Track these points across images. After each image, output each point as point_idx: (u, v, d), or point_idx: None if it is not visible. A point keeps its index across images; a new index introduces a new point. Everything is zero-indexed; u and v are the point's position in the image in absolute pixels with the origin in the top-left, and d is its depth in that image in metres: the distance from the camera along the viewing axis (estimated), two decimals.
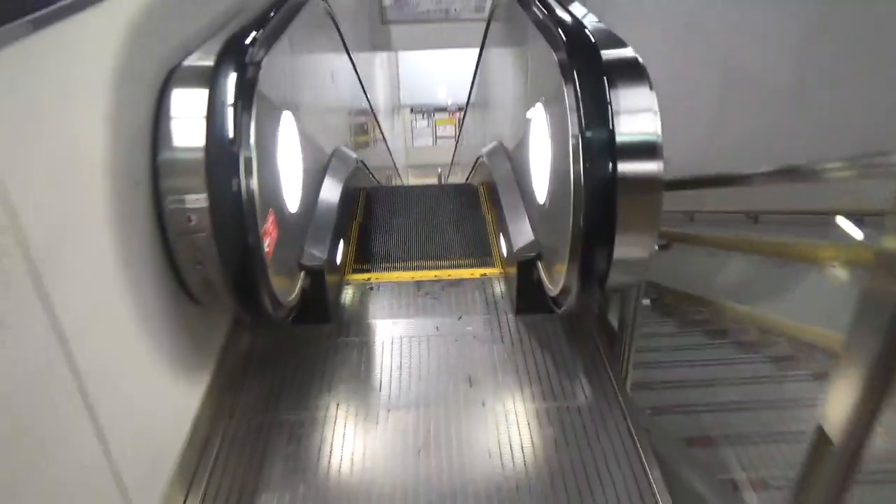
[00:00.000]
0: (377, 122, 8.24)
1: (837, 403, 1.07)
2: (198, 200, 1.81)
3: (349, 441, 2.17)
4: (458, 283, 3.05)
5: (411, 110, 17.44)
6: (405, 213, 4.19)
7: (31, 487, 1.23)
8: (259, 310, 2.06)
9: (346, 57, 4.80)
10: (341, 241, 3.13)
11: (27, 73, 1.26)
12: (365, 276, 3.15)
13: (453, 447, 2.13)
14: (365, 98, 6.47)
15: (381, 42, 11.10)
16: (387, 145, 9.34)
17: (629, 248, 2.05)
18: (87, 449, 1.44)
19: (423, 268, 3.24)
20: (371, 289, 3.03)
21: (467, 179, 5.81)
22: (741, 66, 4.20)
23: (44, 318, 1.29)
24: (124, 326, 1.66)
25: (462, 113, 10.12)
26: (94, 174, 1.54)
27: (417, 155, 16.32)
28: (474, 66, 5.88)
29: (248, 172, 1.85)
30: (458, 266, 3.25)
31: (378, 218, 4.07)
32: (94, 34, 1.56)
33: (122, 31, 1.67)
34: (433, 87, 15.99)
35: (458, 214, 4.05)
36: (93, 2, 1.51)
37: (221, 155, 1.81)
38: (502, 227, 3.15)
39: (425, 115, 17.77)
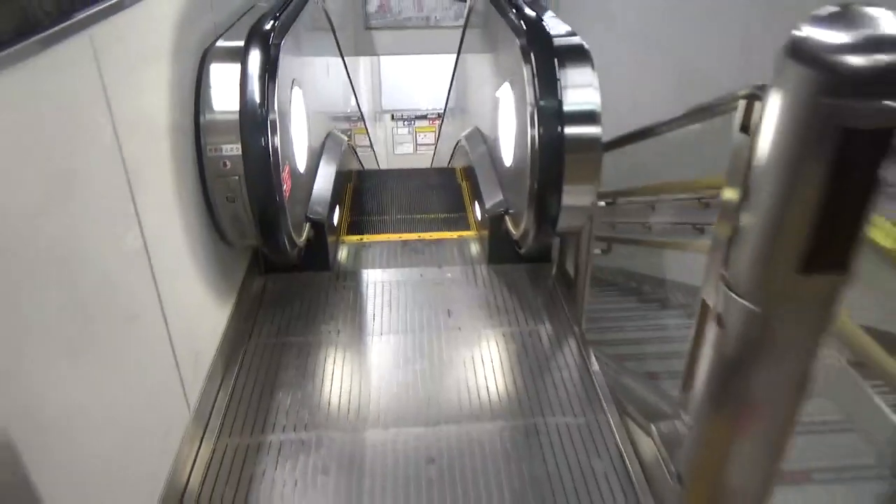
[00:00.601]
0: (363, 119, 8.73)
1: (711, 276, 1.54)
2: (232, 150, 2.29)
3: (348, 356, 2.65)
4: (439, 241, 3.54)
5: (392, 117, 17.82)
6: (393, 188, 4.70)
7: (119, 339, 1.70)
8: (277, 244, 2.54)
9: (337, 52, 5.29)
10: (338, 207, 3.62)
11: (126, 39, 1.74)
12: (358, 237, 3.64)
13: (434, 359, 2.62)
14: (353, 95, 6.96)
15: (364, 47, 11.61)
16: (370, 141, 9.80)
17: (574, 196, 2.57)
18: (156, 327, 1.90)
19: (408, 231, 3.74)
20: (363, 246, 3.52)
21: (448, 164, 6.32)
22: (695, 67, 4.75)
23: (134, 217, 1.75)
24: (178, 239, 2.12)
25: (440, 119, 10.58)
26: (161, 124, 2.01)
27: (399, 162, 16.76)
28: (452, 66, 6.39)
29: (273, 130, 2.33)
30: (439, 229, 3.76)
31: (368, 192, 4.57)
32: (160, 15, 2.04)
33: (175, 14, 2.15)
34: (414, 94, 16.42)
35: (440, 187, 4.56)
36: None
37: (252, 115, 2.29)
38: (477, 195, 3.66)
39: (406, 123, 18.14)
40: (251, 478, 2.08)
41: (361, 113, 8.37)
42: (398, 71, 15.44)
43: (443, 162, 7.37)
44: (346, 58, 5.73)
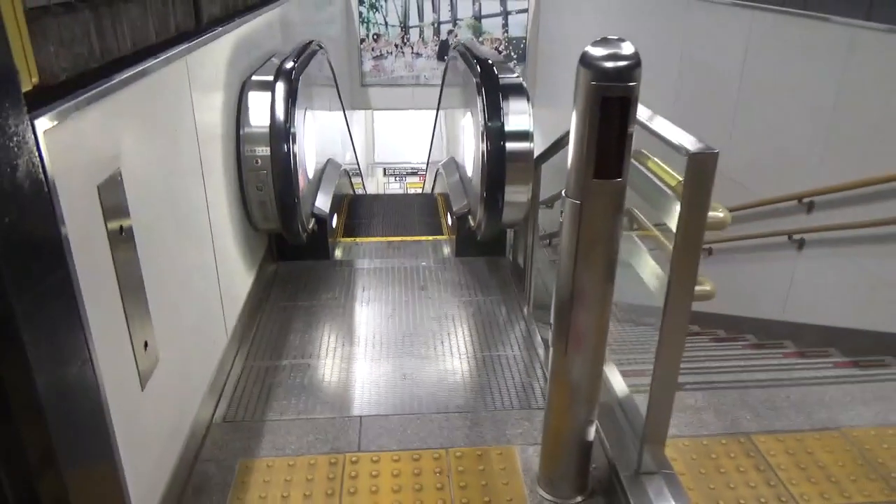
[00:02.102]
0: (360, 174, 9.66)
1: None
2: (263, 151, 3.15)
3: (345, 313, 3.45)
4: (418, 242, 4.39)
5: (384, 172, 18.77)
6: (381, 205, 5.58)
7: (189, 263, 2.50)
8: (292, 227, 3.37)
9: (338, 97, 6.25)
10: (335, 216, 4.47)
11: (204, 67, 2.62)
12: (352, 238, 4.48)
13: (410, 315, 3.42)
14: (351, 143, 7.91)
15: (359, 102, 12.77)
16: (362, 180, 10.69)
17: (514, 194, 3.43)
18: (210, 261, 2.71)
19: (393, 235, 4.59)
20: (356, 245, 4.35)
21: (432, 190, 7.22)
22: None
23: (202, 188, 2.59)
24: (224, 210, 2.95)
25: (428, 158, 11.53)
26: (218, 132, 2.87)
27: None
28: (435, 112, 7.38)
29: (293, 140, 3.20)
30: (417, 233, 4.61)
31: (360, 207, 5.43)
32: (219, 54, 2.93)
33: (227, 55, 3.04)
34: (405, 150, 17.43)
35: (420, 205, 5.44)
36: (221, 33, 2.89)
37: (279, 128, 3.16)
38: (448, 205, 4.53)
39: (398, 179, 19.05)
40: (271, 385, 2.84)
41: (358, 165, 9.28)
42: (390, 126, 16.55)
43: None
44: (345, 111, 6.69)
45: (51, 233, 1.34)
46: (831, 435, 2.42)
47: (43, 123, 1.33)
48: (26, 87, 1.29)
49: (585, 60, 1.75)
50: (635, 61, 1.67)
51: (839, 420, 2.50)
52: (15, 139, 1.18)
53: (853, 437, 2.41)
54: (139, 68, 1.91)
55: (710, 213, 1.78)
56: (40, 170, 1.28)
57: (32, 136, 1.25)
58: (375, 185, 17.53)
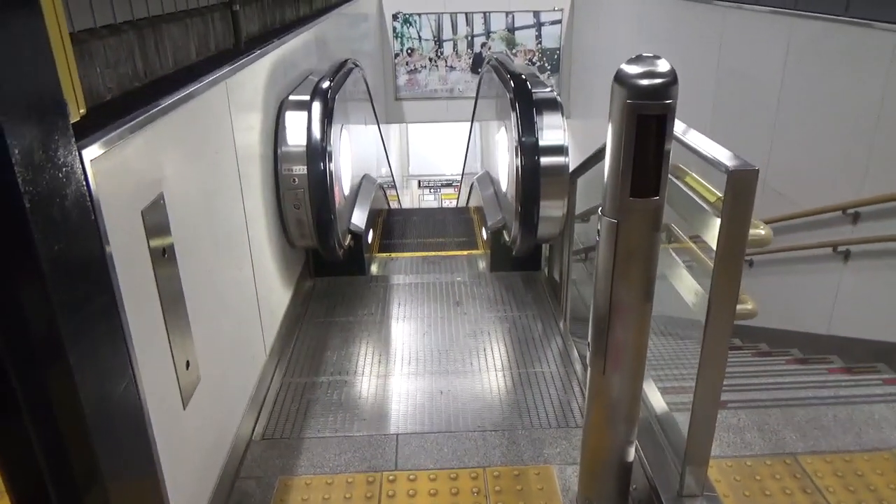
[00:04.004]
0: (395, 187, 9.73)
1: None
2: (300, 170, 3.20)
3: (381, 329, 3.46)
4: (452, 257, 4.39)
5: (419, 184, 18.85)
6: (417, 219, 5.60)
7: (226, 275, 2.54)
8: (328, 243, 3.40)
9: (373, 113, 6.32)
10: (371, 231, 4.50)
11: (242, 89, 2.68)
12: (387, 254, 4.50)
13: (446, 332, 3.42)
14: (386, 157, 7.98)
15: (394, 115, 12.89)
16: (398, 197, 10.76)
17: (549, 209, 3.41)
18: (249, 278, 2.75)
19: (428, 250, 4.60)
20: (391, 260, 4.38)
21: (466, 203, 7.23)
22: None
23: (241, 206, 2.64)
24: (262, 228, 3.00)
25: (462, 171, 11.56)
26: (255, 152, 2.93)
27: None
28: (469, 126, 7.39)
29: (329, 158, 3.24)
30: (452, 249, 4.61)
31: (396, 222, 5.46)
32: (257, 75, 2.99)
33: (265, 77, 3.10)
34: (440, 161, 17.47)
35: (455, 220, 5.46)
36: (259, 56, 2.95)
37: (315, 146, 3.21)
38: (483, 220, 4.52)
39: (433, 191, 19.09)
40: (309, 401, 2.86)
41: (393, 177, 9.35)
42: (424, 138, 16.62)
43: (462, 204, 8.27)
44: (379, 125, 6.76)
45: (97, 258, 1.38)
46: (882, 456, 2.33)
47: (90, 153, 1.38)
48: (74, 117, 1.33)
49: (620, 78, 1.74)
50: (671, 78, 1.65)
51: (890, 440, 2.41)
52: (64, 170, 1.22)
53: None
54: (181, 94, 1.96)
55: (752, 231, 1.74)
56: (87, 198, 1.32)
57: (80, 166, 1.29)
58: (410, 197, 17.57)
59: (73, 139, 1.26)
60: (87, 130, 1.43)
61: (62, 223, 1.22)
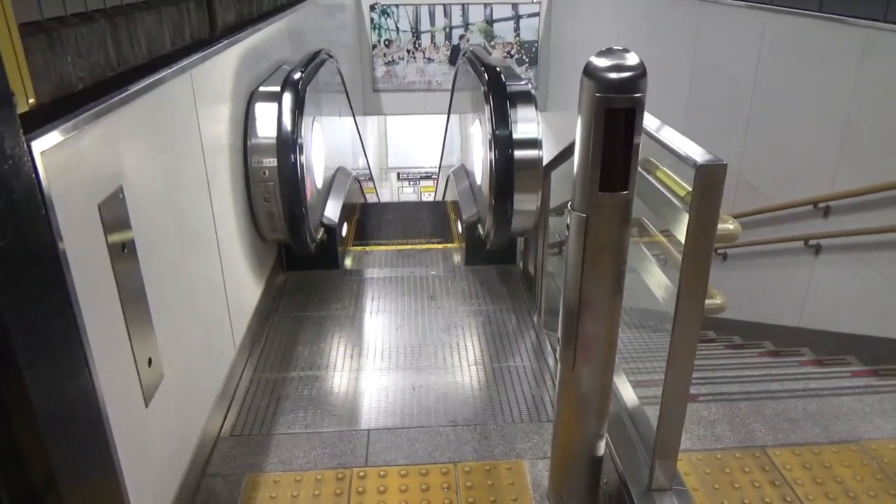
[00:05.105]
0: (372, 179, 9.67)
1: None
2: (270, 163, 3.15)
3: (354, 324, 3.43)
4: (427, 250, 4.36)
5: (398, 176, 18.75)
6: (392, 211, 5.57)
7: (191, 271, 2.49)
8: (300, 237, 3.36)
9: (348, 105, 6.25)
10: (345, 225, 4.46)
11: (209, 80, 2.62)
12: (361, 247, 4.46)
13: (419, 326, 3.40)
14: (362, 149, 7.91)
15: (372, 107, 12.79)
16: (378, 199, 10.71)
17: (523, 203, 3.40)
18: (217, 274, 2.70)
19: (403, 242, 4.57)
20: (366, 254, 4.34)
21: (443, 197, 7.20)
22: None
23: (209, 201, 2.58)
24: (231, 222, 2.94)
25: (439, 164, 11.53)
26: (224, 143, 2.87)
27: None
28: (446, 119, 7.35)
29: (300, 150, 3.19)
30: (427, 241, 4.59)
31: (371, 214, 5.42)
32: (225, 66, 2.93)
33: (234, 67, 3.04)
34: (418, 153, 17.41)
35: (430, 212, 5.43)
36: (227, 45, 2.89)
37: (286, 139, 3.16)
38: (458, 213, 4.50)
39: (412, 183, 19.01)
40: (279, 397, 2.82)
41: (370, 169, 9.28)
42: (403, 130, 16.52)
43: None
44: (355, 117, 6.70)
45: (49, 254, 1.34)
46: (849, 448, 2.36)
47: (40, 144, 1.32)
48: (22, 108, 1.28)
49: (589, 71, 1.72)
50: (640, 72, 1.63)
51: (857, 432, 2.44)
52: (10, 162, 1.17)
53: (872, 450, 2.34)
54: (142, 84, 1.90)
55: (720, 226, 1.74)
56: (37, 191, 1.27)
57: (29, 158, 1.24)
58: (389, 189, 17.48)
59: (21, 130, 1.21)
60: (38, 121, 1.38)
61: (9, 217, 1.17)
